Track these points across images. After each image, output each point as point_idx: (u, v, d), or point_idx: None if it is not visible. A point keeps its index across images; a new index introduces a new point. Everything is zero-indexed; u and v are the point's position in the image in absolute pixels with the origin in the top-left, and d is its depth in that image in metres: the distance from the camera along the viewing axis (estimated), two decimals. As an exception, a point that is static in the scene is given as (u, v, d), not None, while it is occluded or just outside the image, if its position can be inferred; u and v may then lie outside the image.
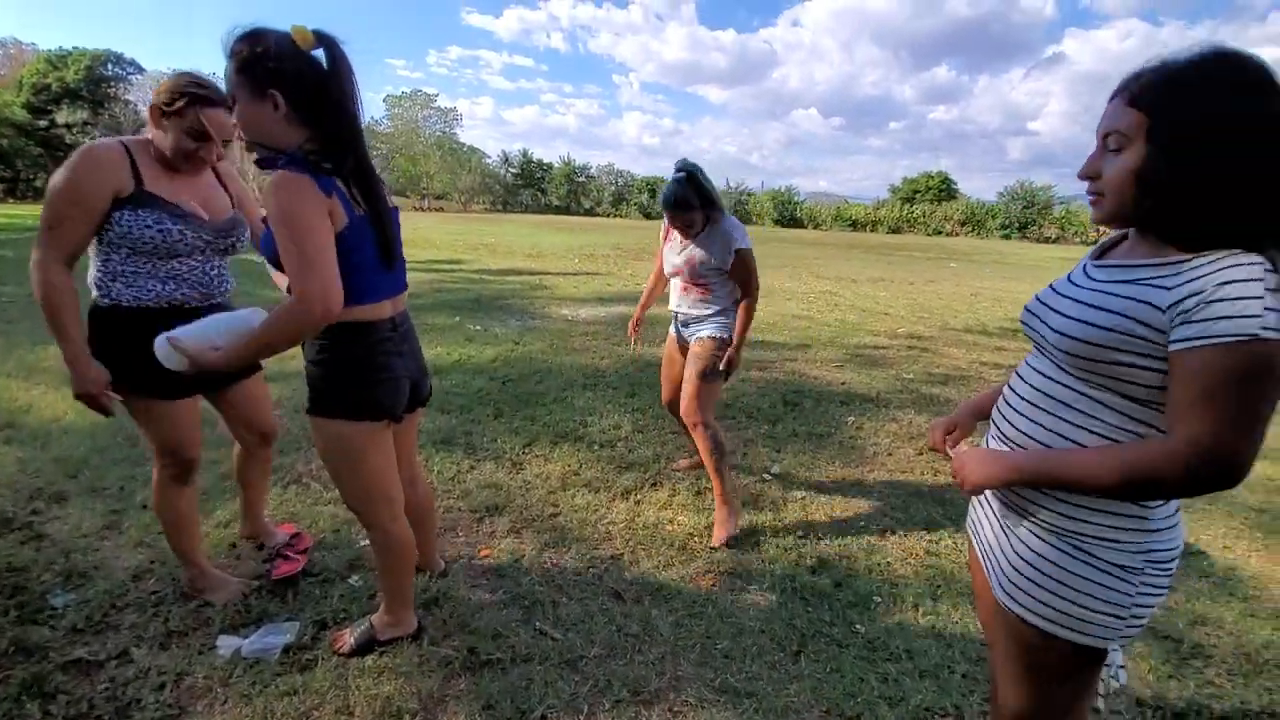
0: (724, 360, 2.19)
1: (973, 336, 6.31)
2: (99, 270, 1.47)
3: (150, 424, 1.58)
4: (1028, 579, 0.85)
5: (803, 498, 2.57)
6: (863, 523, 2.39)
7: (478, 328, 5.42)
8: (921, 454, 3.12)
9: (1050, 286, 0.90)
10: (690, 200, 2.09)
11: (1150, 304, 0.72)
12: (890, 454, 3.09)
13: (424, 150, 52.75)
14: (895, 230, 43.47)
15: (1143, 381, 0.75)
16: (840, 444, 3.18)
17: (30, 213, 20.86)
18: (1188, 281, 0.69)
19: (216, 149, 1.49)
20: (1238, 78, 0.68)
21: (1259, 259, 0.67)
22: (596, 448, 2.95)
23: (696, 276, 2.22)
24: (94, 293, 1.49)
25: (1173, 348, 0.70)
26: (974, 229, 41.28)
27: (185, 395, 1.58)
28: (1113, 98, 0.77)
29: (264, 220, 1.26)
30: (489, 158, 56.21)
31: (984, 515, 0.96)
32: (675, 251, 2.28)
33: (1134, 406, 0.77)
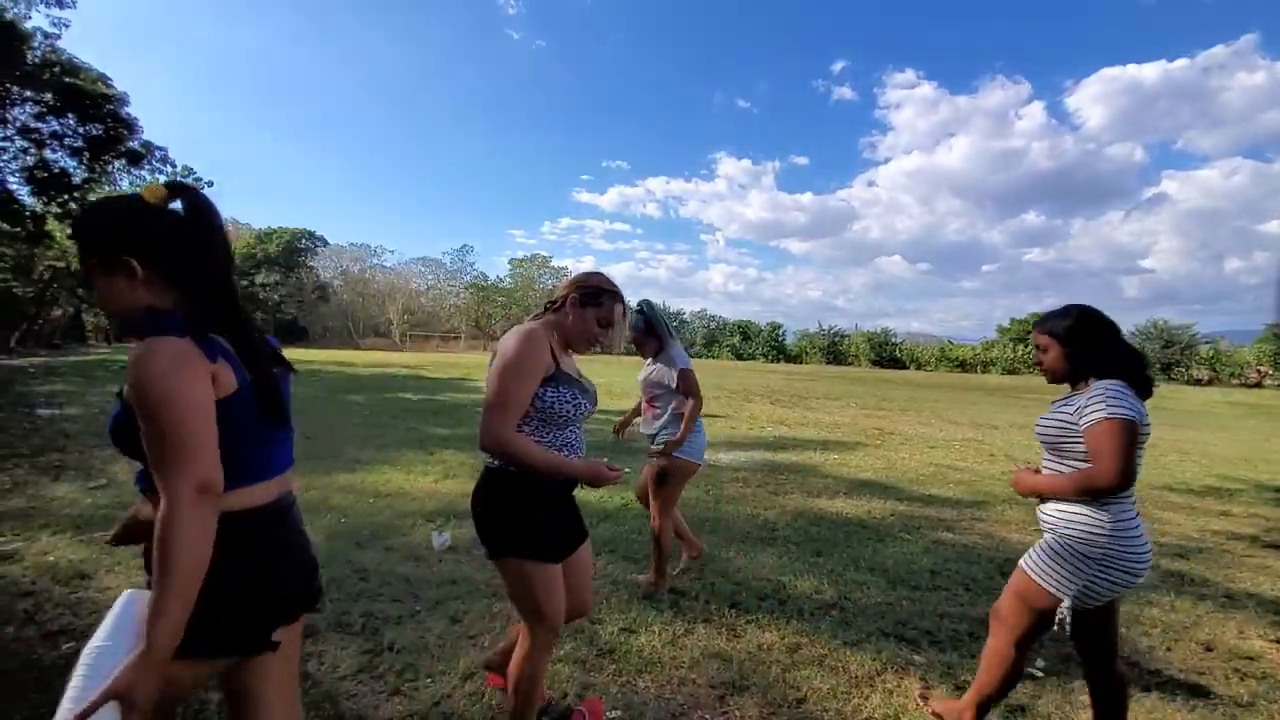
0: (665, 455, 2.75)
1: (1181, 497, 5.44)
2: None
3: (534, 590, 1.52)
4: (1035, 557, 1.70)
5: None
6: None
7: (628, 470, 5.48)
8: (1211, 650, 2.55)
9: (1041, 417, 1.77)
10: (640, 327, 2.78)
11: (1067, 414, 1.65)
12: (1169, 648, 2.56)
13: (537, 301, 58.83)
14: (1011, 371, 40.83)
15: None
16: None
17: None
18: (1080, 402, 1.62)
19: (616, 336, 1.66)
20: (1095, 322, 1.68)
21: (1104, 383, 1.62)
22: (808, 616, 2.70)
23: (649, 391, 2.84)
24: (485, 456, 1.55)
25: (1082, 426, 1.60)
26: (1105, 370, 37.81)
27: (564, 558, 1.63)
28: (1035, 327, 1.79)
29: (119, 395, 1.01)
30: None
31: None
32: (640, 375, 2.90)
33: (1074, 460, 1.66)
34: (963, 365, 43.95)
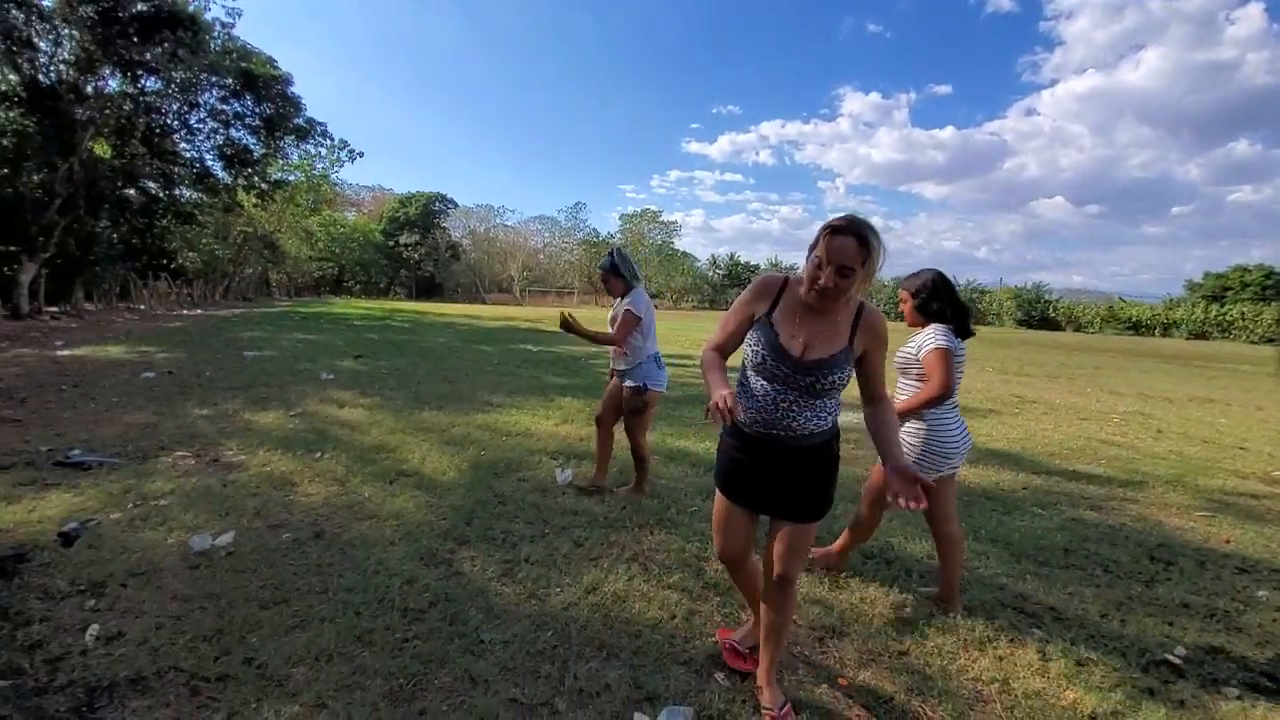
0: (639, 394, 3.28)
1: None
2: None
3: (713, 513, 1.85)
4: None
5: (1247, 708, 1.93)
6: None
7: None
8: None
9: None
10: (606, 267, 3.27)
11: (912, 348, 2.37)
12: None
13: (645, 257, 59.26)
14: (1199, 335, 34.45)
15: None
16: (1260, 631, 2.38)
17: (379, 306, 28.45)
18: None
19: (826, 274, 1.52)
20: (940, 285, 2.39)
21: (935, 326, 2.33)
22: (916, 578, 2.67)
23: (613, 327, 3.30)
24: None
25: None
26: (1336, 336, 30.65)
27: (740, 501, 1.75)
28: (902, 286, 2.52)
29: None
30: (699, 261, 60.66)
31: None
32: (609, 313, 3.39)
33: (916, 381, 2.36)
34: (1136, 327, 37.82)
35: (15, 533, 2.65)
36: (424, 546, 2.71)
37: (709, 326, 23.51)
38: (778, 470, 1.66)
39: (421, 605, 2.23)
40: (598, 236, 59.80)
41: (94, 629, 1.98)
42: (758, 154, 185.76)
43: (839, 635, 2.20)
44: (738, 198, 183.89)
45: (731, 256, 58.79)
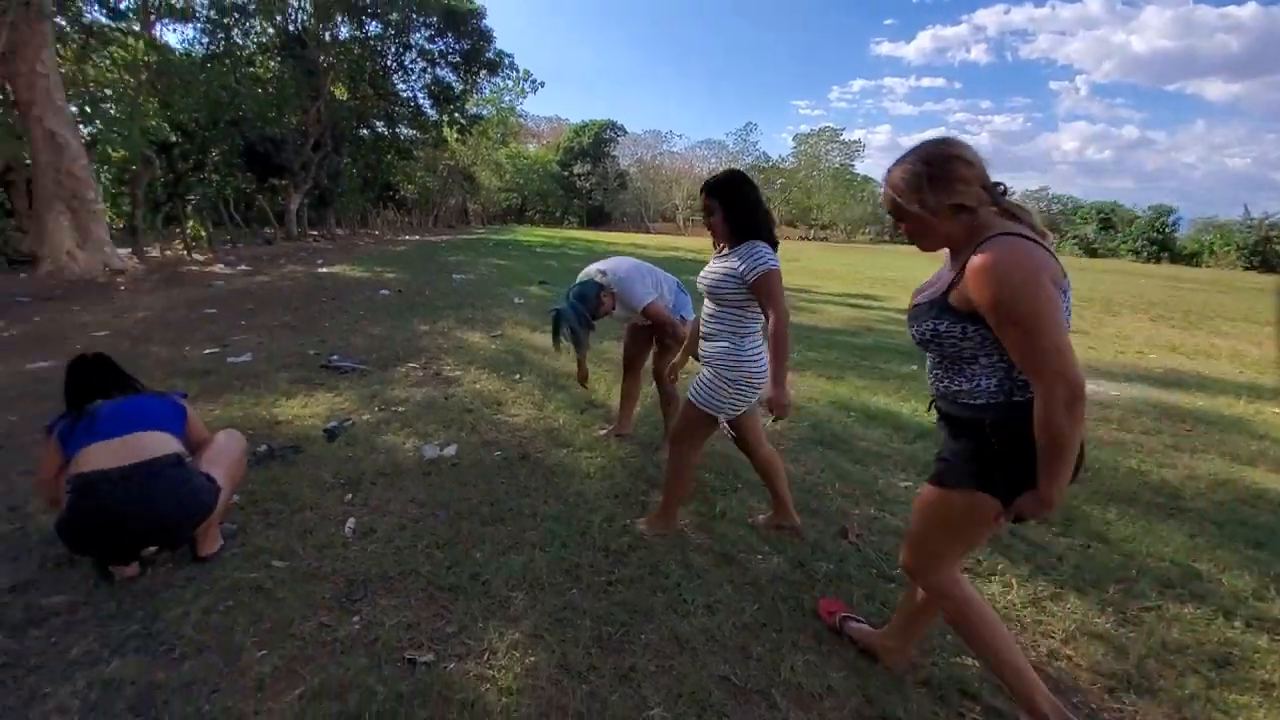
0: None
1: None
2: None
3: (975, 528, 1.37)
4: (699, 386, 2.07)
5: None
6: None
7: (946, 383, 4.76)
8: None
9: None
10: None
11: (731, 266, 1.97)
12: None
13: (819, 182, 54.35)
14: None
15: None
16: None
17: (555, 234, 30.38)
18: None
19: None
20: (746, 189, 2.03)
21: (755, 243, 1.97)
22: (1246, 627, 1.97)
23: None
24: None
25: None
26: None
27: None
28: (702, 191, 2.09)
29: None
30: (881, 187, 54.26)
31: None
32: None
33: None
34: None
35: (293, 424, 3.18)
36: (618, 484, 2.69)
37: (890, 263, 21.07)
38: None
39: (622, 548, 2.18)
40: (768, 160, 56.06)
41: (351, 522, 2.26)
42: (968, 51, 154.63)
43: (1138, 691, 1.68)
44: (936, 107, 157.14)
45: (924, 181, 51.48)
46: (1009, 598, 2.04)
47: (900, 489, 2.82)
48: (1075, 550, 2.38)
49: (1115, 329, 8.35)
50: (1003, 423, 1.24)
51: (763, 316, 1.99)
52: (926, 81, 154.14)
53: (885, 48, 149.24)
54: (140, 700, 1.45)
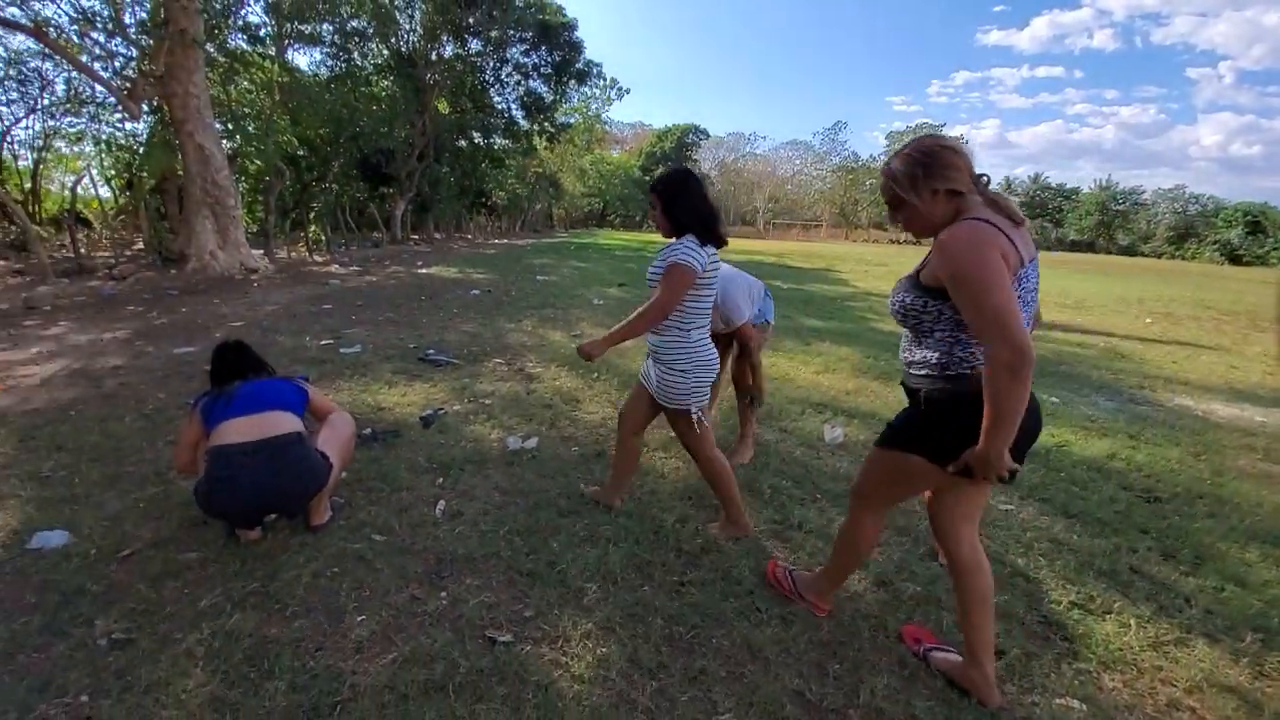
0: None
1: None
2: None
3: (904, 483, 1.61)
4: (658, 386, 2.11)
5: None
6: None
7: (1055, 400, 4.36)
8: None
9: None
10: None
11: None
12: None
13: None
14: None
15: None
16: None
17: (635, 238, 30.84)
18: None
19: None
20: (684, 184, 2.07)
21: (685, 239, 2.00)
22: None
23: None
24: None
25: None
26: None
27: None
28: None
29: None
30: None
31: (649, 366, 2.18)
32: None
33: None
34: None
35: (394, 411, 3.44)
36: (691, 486, 2.68)
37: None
38: None
39: (694, 550, 2.18)
40: (857, 160, 53.67)
41: (441, 504, 2.41)
42: (1090, 37, 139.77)
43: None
44: (1053, 99, 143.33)
45: (1035, 178, 47.22)
46: (1125, 639, 1.83)
47: (999, 511, 2.61)
48: (1207, 592, 2.10)
49: (1263, 346, 7.25)
50: (936, 391, 1.41)
51: (709, 309, 2.09)
52: (1042, 71, 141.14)
53: (994, 36, 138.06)
54: (256, 652, 1.62)
